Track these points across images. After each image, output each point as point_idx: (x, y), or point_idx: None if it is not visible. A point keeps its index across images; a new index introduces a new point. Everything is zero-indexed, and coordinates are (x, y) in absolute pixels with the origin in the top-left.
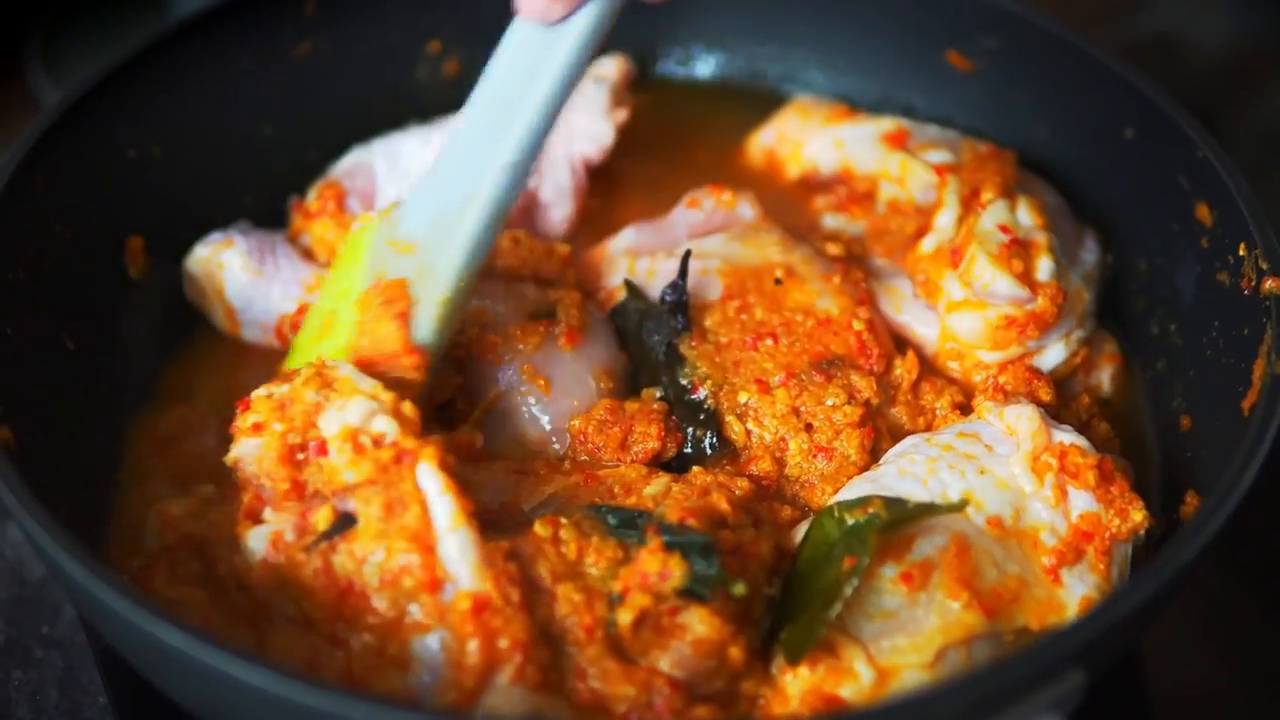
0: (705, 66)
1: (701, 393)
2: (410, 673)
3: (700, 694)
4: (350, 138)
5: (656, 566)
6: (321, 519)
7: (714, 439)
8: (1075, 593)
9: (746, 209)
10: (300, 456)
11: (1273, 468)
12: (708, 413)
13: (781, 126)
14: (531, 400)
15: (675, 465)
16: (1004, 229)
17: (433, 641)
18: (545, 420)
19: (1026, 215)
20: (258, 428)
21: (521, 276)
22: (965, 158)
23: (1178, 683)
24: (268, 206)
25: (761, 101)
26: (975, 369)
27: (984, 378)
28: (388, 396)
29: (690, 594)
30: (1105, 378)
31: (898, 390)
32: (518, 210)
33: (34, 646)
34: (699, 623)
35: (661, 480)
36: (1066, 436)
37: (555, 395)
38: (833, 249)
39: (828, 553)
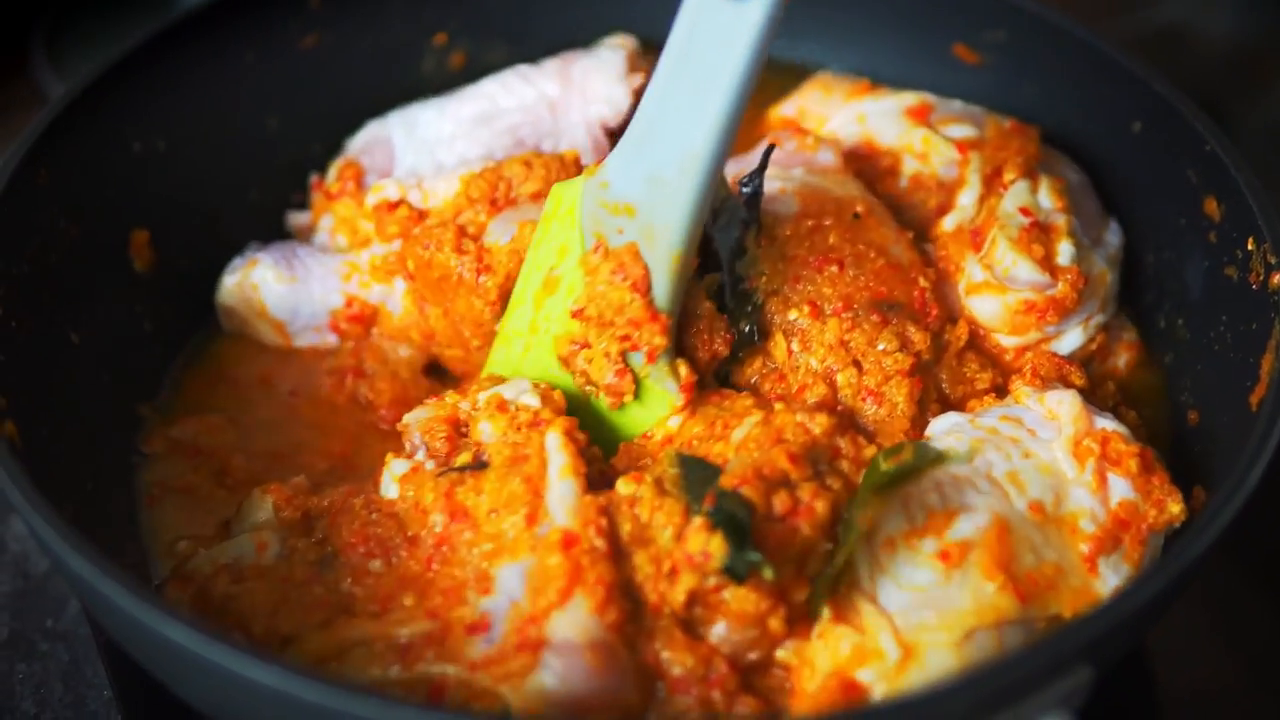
0: None
1: (756, 289)
2: (489, 594)
3: (742, 663)
4: (355, 131)
5: (699, 546)
6: (461, 458)
7: (754, 330)
8: (1109, 583)
9: (828, 154)
10: (463, 430)
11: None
12: (755, 305)
13: (803, 101)
14: None
15: (728, 357)
16: (1025, 211)
17: (519, 568)
18: None
19: (1047, 197)
20: (435, 396)
21: (543, 194)
22: (988, 134)
23: (1185, 679)
24: (272, 200)
25: (770, 91)
26: (994, 351)
27: (1021, 362)
28: (543, 386)
29: (729, 573)
30: (1121, 364)
31: (946, 353)
32: None
33: (38, 640)
34: (737, 599)
35: (749, 422)
36: (1109, 424)
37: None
38: None
39: (860, 501)
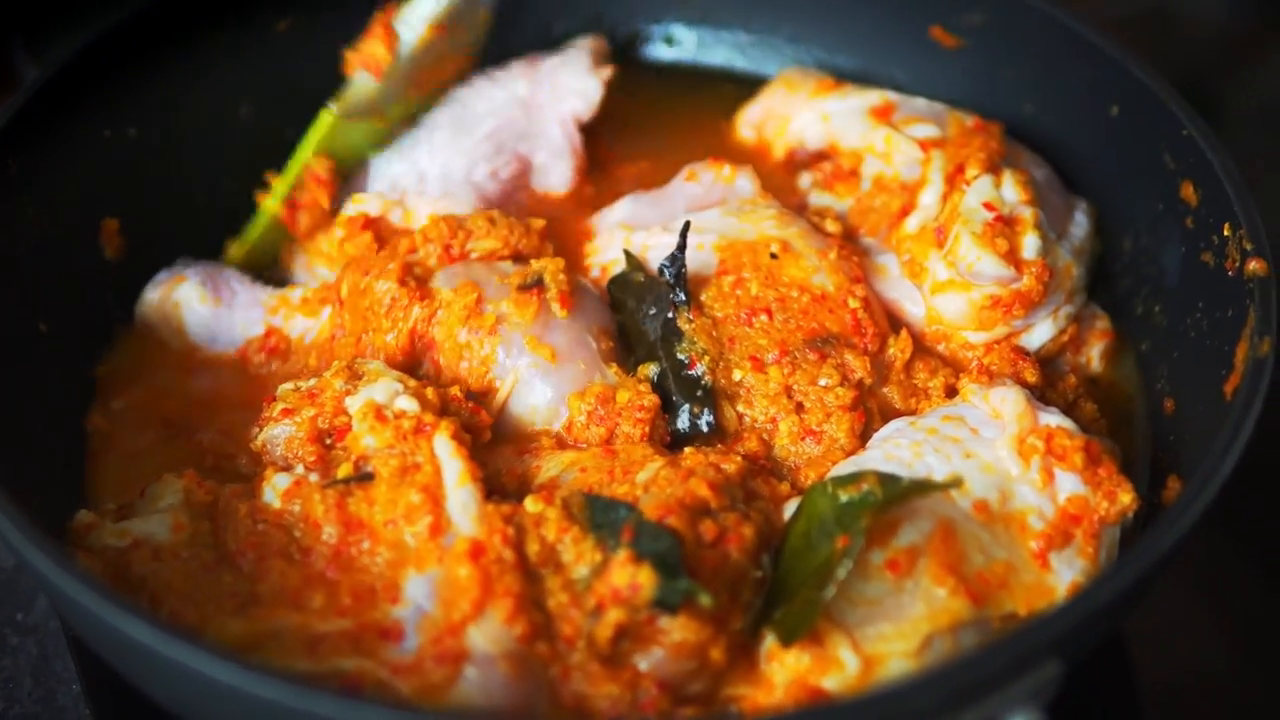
0: (686, 45)
1: (699, 368)
2: (399, 604)
3: (683, 695)
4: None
5: (626, 580)
6: (342, 470)
7: (710, 418)
8: (1064, 578)
9: (745, 183)
10: (328, 442)
11: (1260, 444)
12: (705, 390)
13: (768, 102)
14: (538, 371)
15: (671, 443)
16: (989, 206)
17: (428, 579)
18: (552, 389)
19: (1012, 190)
20: (288, 413)
21: (501, 256)
22: (951, 132)
23: (1166, 665)
24: (245, 187)
25: (746, 79)
26: (962, 349)
27: (970, 359)
28: (412, 383)
29: (661, 605)
30: (1095, 354)
31: (891, 369)
32: (516, 175)
33: (8, 634)
34: (678, 629)
35: (653, 466)
36: (1053, 419)
37: (561, 362)
38: (831, 226)
39: (820, 530)
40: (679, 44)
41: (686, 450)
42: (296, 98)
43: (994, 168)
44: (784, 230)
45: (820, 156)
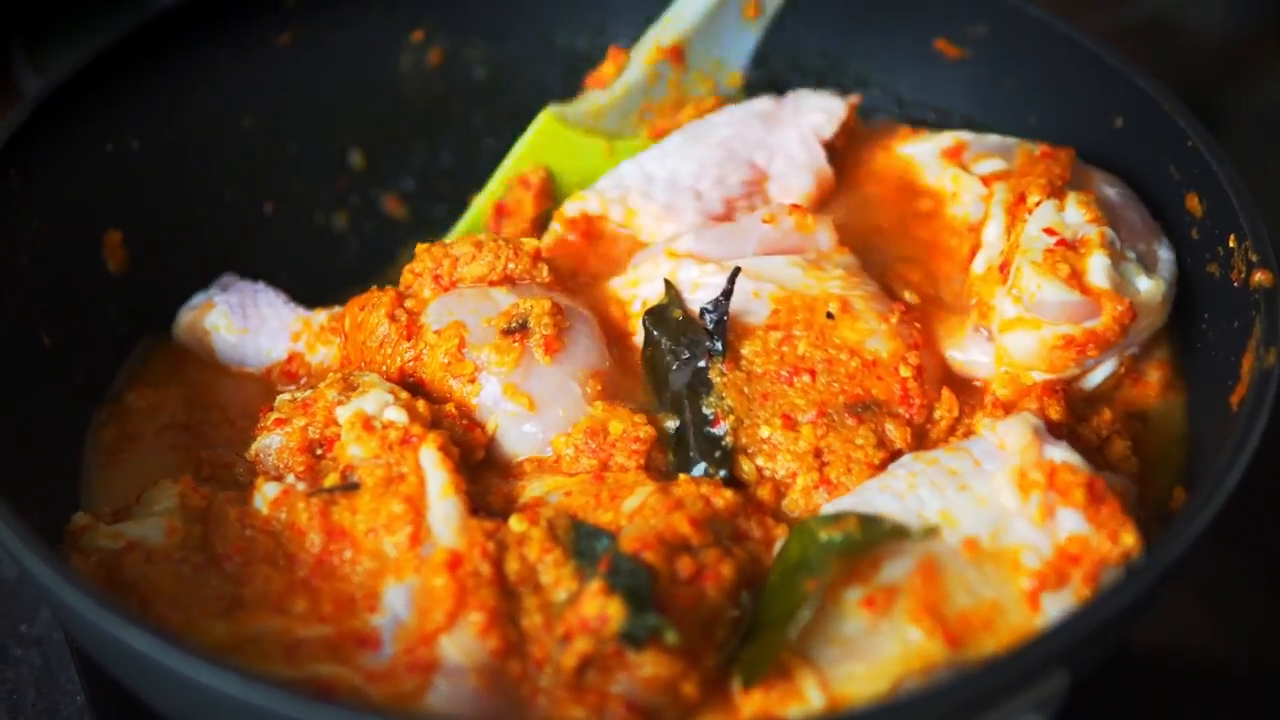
0: None
1: (722, 427)
2: (377, 613)
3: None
4: (332, 129)
5: (596, 610)
6: (329, 480)
7: (725, 475)
8: (1052, 620)
9: (825, 235)
10: (318, 452)
11: (1267, 452)
12: (724, 450)
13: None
14: (515, 419)
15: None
16: (1049, 232)
17: (405, 589)
18: (534, 436)
19: (1075, 212)
20: (280, 423)
21: (492, 281)
22: (1018, 163)
23: (1168, 672)
24: (247, 199)
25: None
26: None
27: (985, 391)
28: (404, 395)
29: (628, 639)
30: (1154, 381)
31: (933, 431)
32: (749, 183)
33: (11, 645)
34: (648, 664)
35: (642, 493)
36: (1058, 453)
37: (541, 409)
38: (909, 296)
39: (797, 569)
40: None
41: (681, 477)
42: (299, 110)
43: (1056, 192)
44: (849, 290)
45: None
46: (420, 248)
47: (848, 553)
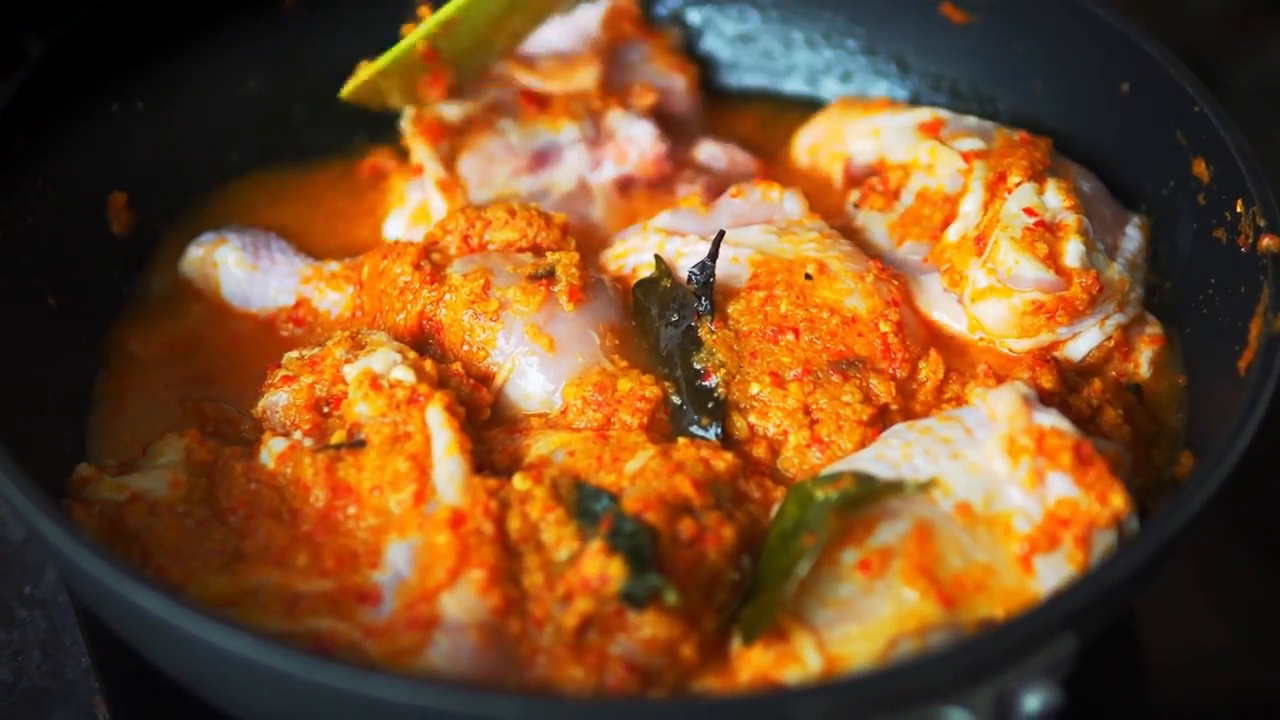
0: (692, 20)
1: (714, 379)
2: (379, 569)
3: (653, 680)
4: (337, 93)
5: (597, 570)
6: (335, 437)
7: (718, 430)
8: (1048, 583)
9: (792, 203)
10: (325, 410)
11: (1273, 423)
12: (717, 402)
13: (823, 124)
14: (535, 360)
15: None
16: (1029, 212)
17: (408, 545)
18: (548, 379)
19: (1055, 197)
20: (288, 380)
21: (520, 248)
22: (997, 145)
23: (1174, 644)
24: (253, 162)
25: (756, 66)
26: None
27: (975, 360)
28: (412, 354)
29: (628, 599)
30: (1144, 360)
31: (920, 390)
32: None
33: (16, 607)
34: (648, 625)
35: (644, 455)
36: (1047, 419)
37: (559, 353)
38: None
39: (794, 529)
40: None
41: (680, 441)
42: (304, 73)
43: (1037, 176)
44: (824, 253)
45: (869, 174)
46: (452, 208)
47: (844, 509)
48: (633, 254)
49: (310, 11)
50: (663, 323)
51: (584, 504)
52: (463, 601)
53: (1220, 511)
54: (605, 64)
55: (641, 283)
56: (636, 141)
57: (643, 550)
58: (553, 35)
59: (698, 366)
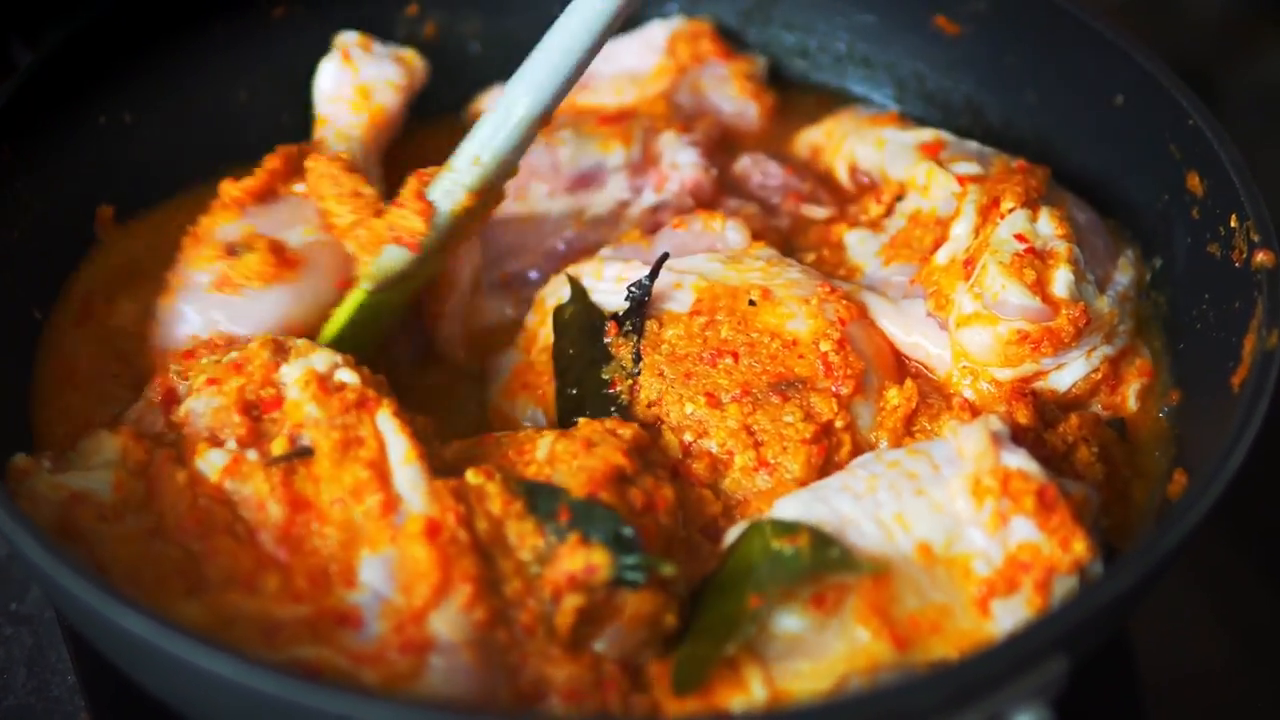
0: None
1: (619, 389)
2: (355, 589)
3: (637, 672)
4: None
5: (580, 563)
6: (277, 446)
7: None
8: (1004, 626)
9: (735, 234)
10: (255, 413)
11: (1268, 438)
12: (620, 406)
13: (831, 126)
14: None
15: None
16: (1020, 238)
17: (383, 561)
18: None
19: (1048, 225)
20: (213, 382)
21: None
22: (994, 171)
23: (1168, 663)
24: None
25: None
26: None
27: (954, 390)
28: (348, 358)
29: (622, 582)
30: (1131, 394)
31: (889, 418)
32: None
33: (1, 623)
34: (636, 602)
35: (546, 440)
36: (1014, 460)
37: None
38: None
39: (745, 574)
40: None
41: (580, 421)
42: (293, 84)
43: (1030, 203)
44: (770, 280)
45: (868, 178)
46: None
47: (792, 577)
48: (562, 288)
49: (298, 22)
50: (574, 347)
51: (533, 499)
52: (452, 621)
53: (1216, 527)
54: (676, 82)
55: (557, 310)
56: (680, 169)
57: (619, 532)
58: (625, 53)
59: (605, 377)
